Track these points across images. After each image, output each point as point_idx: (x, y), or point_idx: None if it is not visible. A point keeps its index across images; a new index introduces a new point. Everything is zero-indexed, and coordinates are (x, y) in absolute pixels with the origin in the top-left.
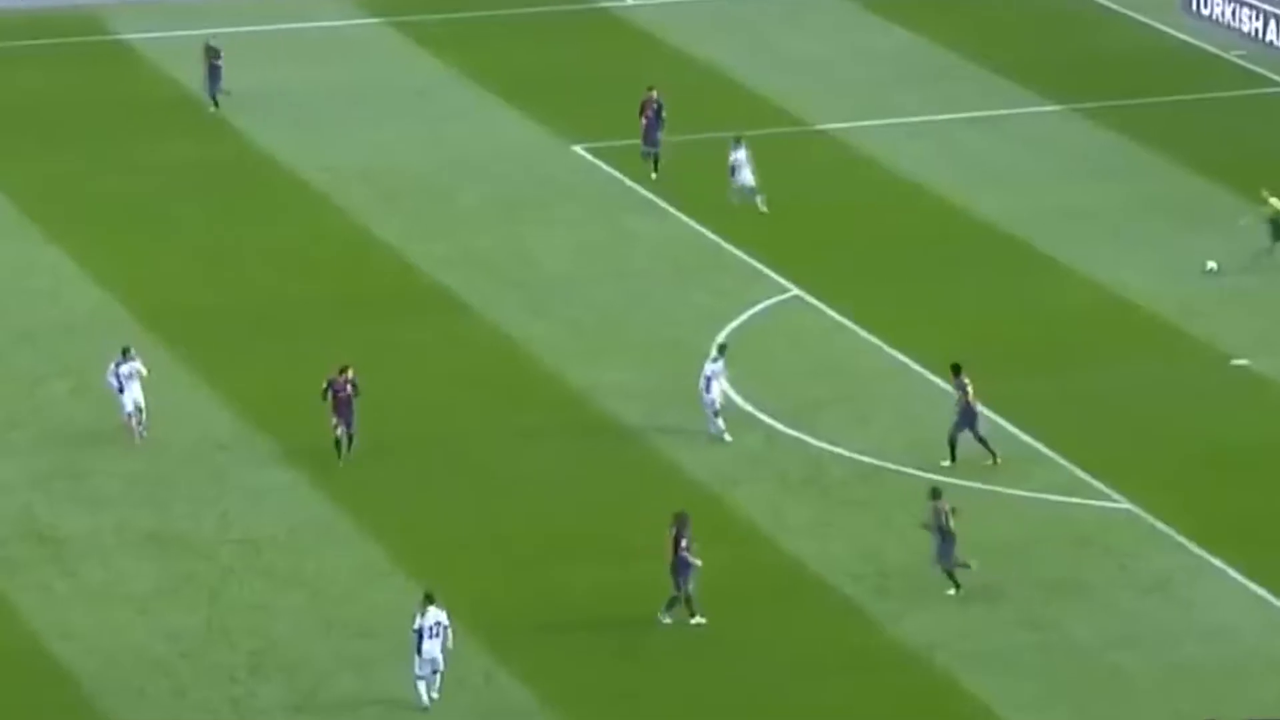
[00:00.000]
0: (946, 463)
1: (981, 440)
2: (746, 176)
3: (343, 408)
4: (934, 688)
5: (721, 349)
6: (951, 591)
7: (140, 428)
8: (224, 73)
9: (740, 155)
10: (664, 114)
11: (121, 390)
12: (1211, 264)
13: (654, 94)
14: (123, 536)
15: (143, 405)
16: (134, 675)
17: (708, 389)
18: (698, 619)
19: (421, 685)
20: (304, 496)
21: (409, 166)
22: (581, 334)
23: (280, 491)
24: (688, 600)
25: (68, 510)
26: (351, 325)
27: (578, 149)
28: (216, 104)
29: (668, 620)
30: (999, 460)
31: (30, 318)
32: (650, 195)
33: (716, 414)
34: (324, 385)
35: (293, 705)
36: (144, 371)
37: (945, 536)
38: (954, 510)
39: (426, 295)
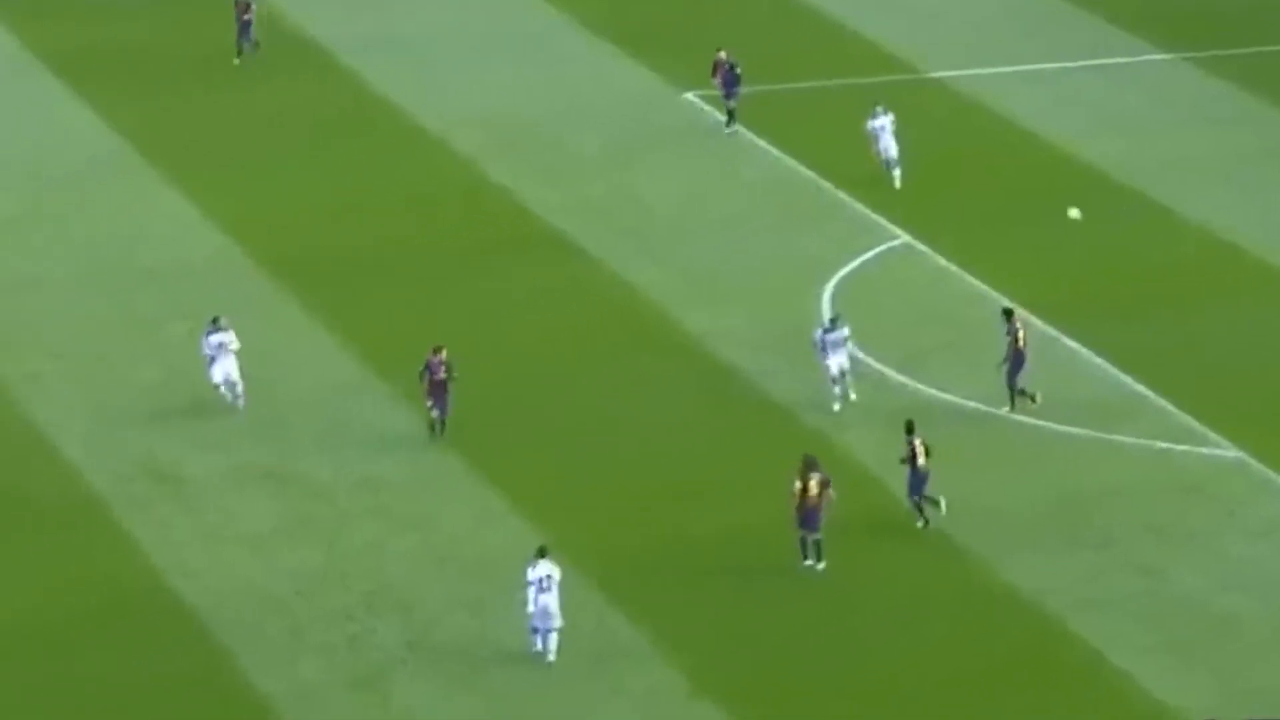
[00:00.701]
0: (1006, 409)
1: (1020, 389)
2: (888, 145)
3: (438, 390)
4: (1043, 632)
5: (834, 320)
6: (920, 525)
7: (237, 399)
8: (254, 28)
9: (879, 123)
10: (739, 71)
11: (213, 360)
12: (1074, 212)
13: (723, 55)
14: (242, 477)
15: (235, 379)
16: (251, 613)
17: (823, 355)
18: (819, 564)
19: (537, 637)
20: (421, 440)
21: (523, 112)
22: (694, 280)
23: (398, 435)
24: (816, 544)
25: (189, 450)
26: (468, 270)
27: (689, 96)
28: (240, 55)
29: (818, 566)
30: (1022, 402)
31: (151, 260)
32: (761, 142)
33: (834, 381)
34: (421, 367)
35: (407, 644)
36: (235, 344)
37: (917, 471)
38: (927, 448)
39: (541, 240)
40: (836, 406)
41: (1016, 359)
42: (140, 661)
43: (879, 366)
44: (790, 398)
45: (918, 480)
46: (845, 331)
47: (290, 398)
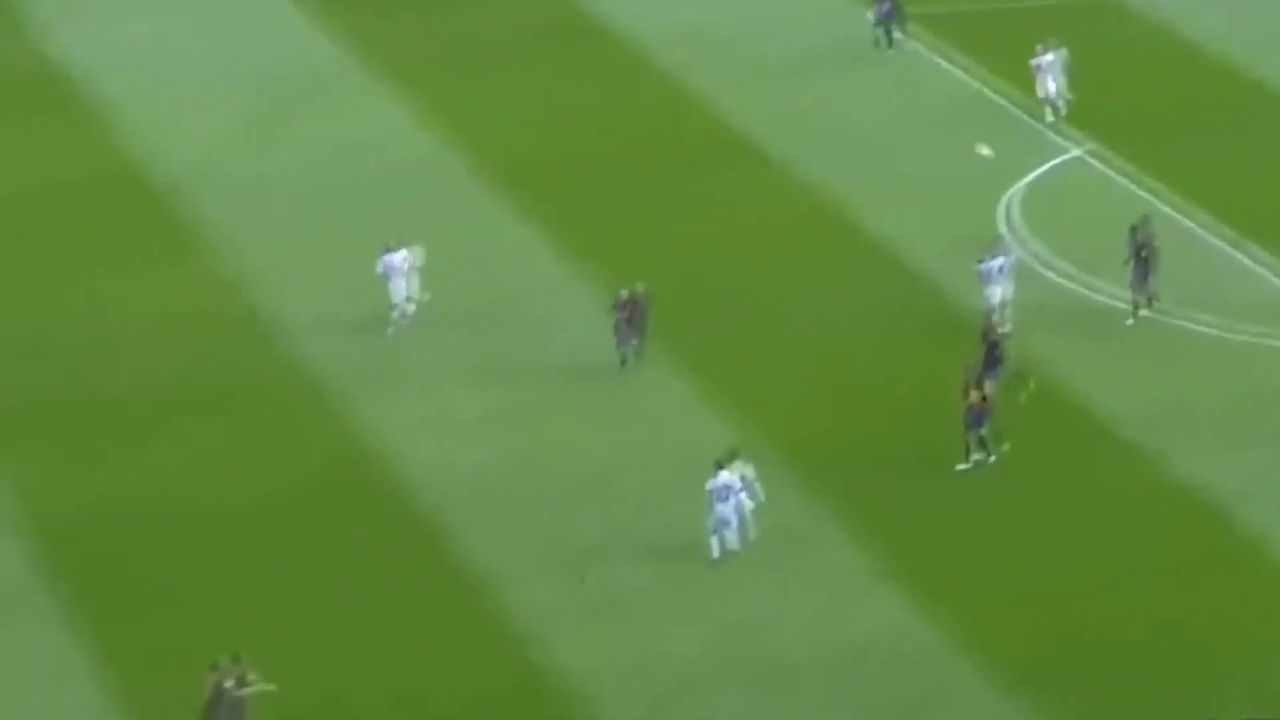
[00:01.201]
0: (1145, 311)
1: (1148, 296)
2: (1049, 81)
3: (625, 328)
4: (1207, 524)
5: (996, 244)
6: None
7: (404, 319)
8: None
9: (1041, 60)
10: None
11: (390, 279)
12: (985, 149)
13: None
14: (455, 369)
15: (414, 296)
16: (459, 497)
17: (985, 284)
18: (990, 457)
19: (713, 540)
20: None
21: (719, 27)
22: (880, 188)
23: (602, 331)
24: (981, 441)
25: (404, 344)
26: (668, 177)
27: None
28: None
29: (989, 459)
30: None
31: (373, 166)
32: (942, 60)
33: (992, 311)
34: (613, 303)
35: (610, 534)
36: (411, 262)
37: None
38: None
39: (736, 149)
40: (1004, 329)
41: (1144, 265)
42: (353, 540)
43: (1055, 274)
44: (971, 301)
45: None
46: (1004, 260)
47: (501, 295)
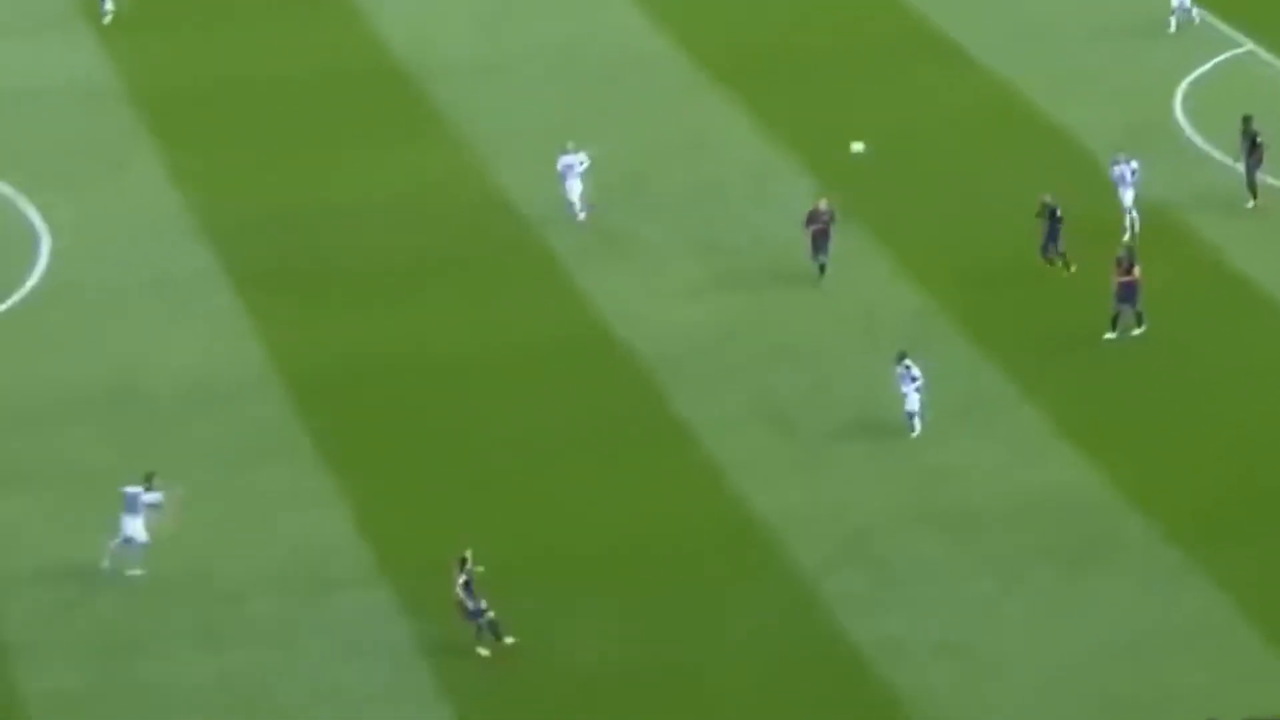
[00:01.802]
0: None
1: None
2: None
3: (820, 240)
4: None
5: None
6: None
7: (577, 215)
8: None
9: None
10: None
11: (564, 179)
12: (858, 146)
13: None
14: (669, 242)
15: (582, 198)
16: (679, 359)
17: (1119, 187)
18: (1139, 329)
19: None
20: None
21: None
22: (1060, 79)
23: (804, 199)
24: (1138, 314)
25: (631, 217)
26: (865, 71)
27: None
28: None
29: (1135, 331)
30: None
31: (602, 55)
32: None
33: (1125, 212)
34: (805, 216)
35: (811, 392)
36: (583, 165)
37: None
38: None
39: (929, 43)
40: (1125, 237)
41: (1256, 157)
42: (577, 396)
43: (1221, 156)
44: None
45: (1125, 292)
46: (1130, 166)
47: (716, 177)
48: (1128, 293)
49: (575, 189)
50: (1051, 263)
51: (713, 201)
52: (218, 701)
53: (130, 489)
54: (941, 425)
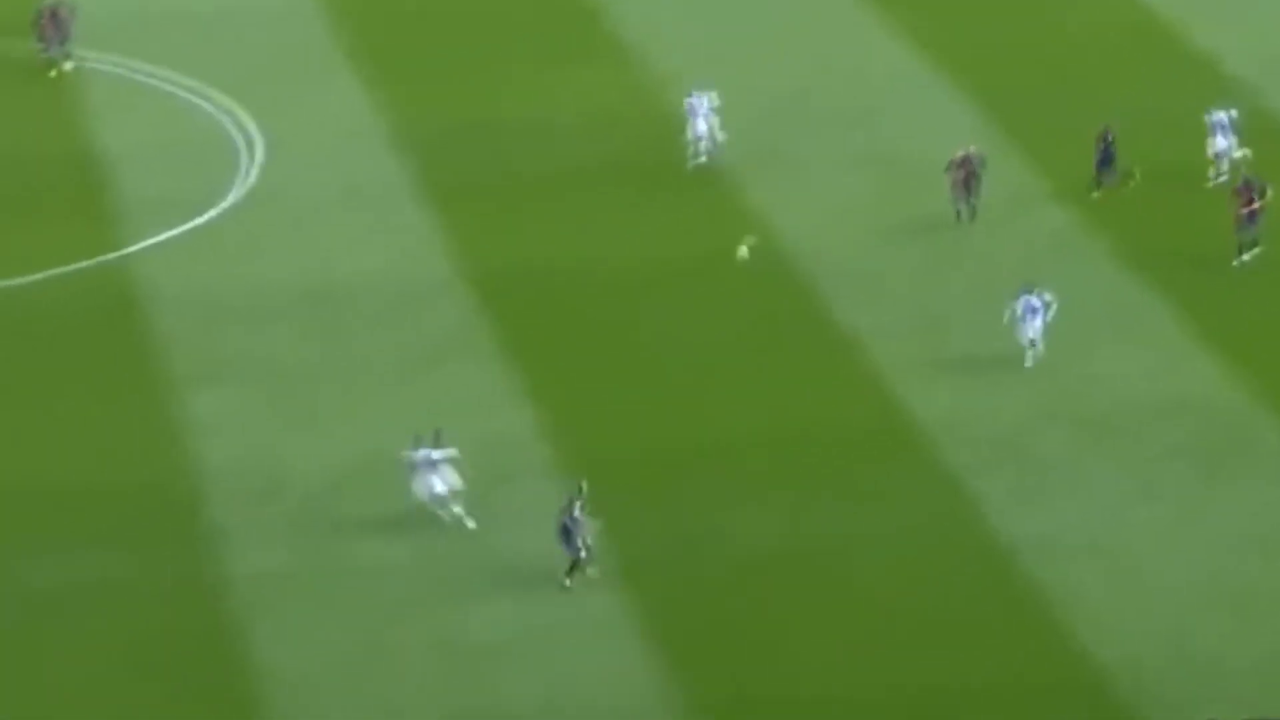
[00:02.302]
0: None
1: None
2: None
3: (959, 187)
4: None
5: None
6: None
7: (698, 156)
8: None
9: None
10: None
11: (691, 118)
12: (744, 250)
13: None
14: (832, 155)
15: (711, 134)
16: (835, 270)
17: (1213, 137)
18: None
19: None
20: (974, 124)
21: None
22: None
23: (958, 119)
24: (1253, 240)
25: (799, 133)
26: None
27: None
28: None
29: (1242, 260)
30: None
31: None
32: None
33: (1213, 160)
34: (947, 163)
35: (969, 302)
36: (714, 105)
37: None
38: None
39: None
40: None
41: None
42: (738, 305)
43: None
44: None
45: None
46: (1226, 115)
47: (878, 95)
48: (1249, 221)
49: (701, 129)
50: (1101, 185)
51: (873, 119)
52: (415, 581)
53: (417, 453)
54: (1087, 335)
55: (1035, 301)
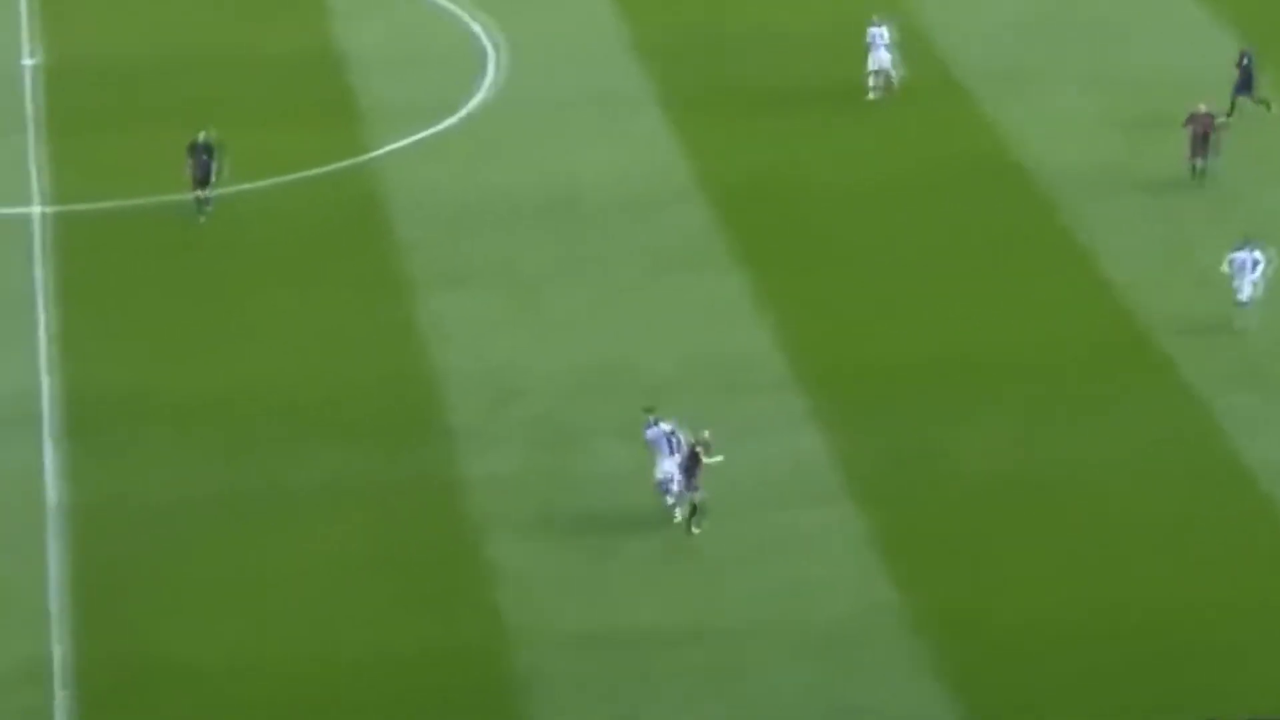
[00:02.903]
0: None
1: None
2: None
3: (1198, 143)
4: None
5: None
6: None
7: (877, 90)
8: None
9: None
10: None
11: (870, 51)
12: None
13: None
14: (1070, 71)
15: (890, 67)
16: (1077, 183)
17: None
18: None
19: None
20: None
21: None
22: None
23: (1213, 40)
24: None
25: (1042, 50)
26: None
27: None
28: None
29: None
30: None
31: None
32: None
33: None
34: (1186, 116)
35: (1202, 220)
36: (886, 39)
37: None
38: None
39: None
40: None
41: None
42: (972, 214)
43: None
44: None
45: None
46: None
47: (1121, 15)
48: None
49: (882, 60)
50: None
51: (1116, 39)
52: (648, 491)
53: (652, 430)
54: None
55: (1251, 256)
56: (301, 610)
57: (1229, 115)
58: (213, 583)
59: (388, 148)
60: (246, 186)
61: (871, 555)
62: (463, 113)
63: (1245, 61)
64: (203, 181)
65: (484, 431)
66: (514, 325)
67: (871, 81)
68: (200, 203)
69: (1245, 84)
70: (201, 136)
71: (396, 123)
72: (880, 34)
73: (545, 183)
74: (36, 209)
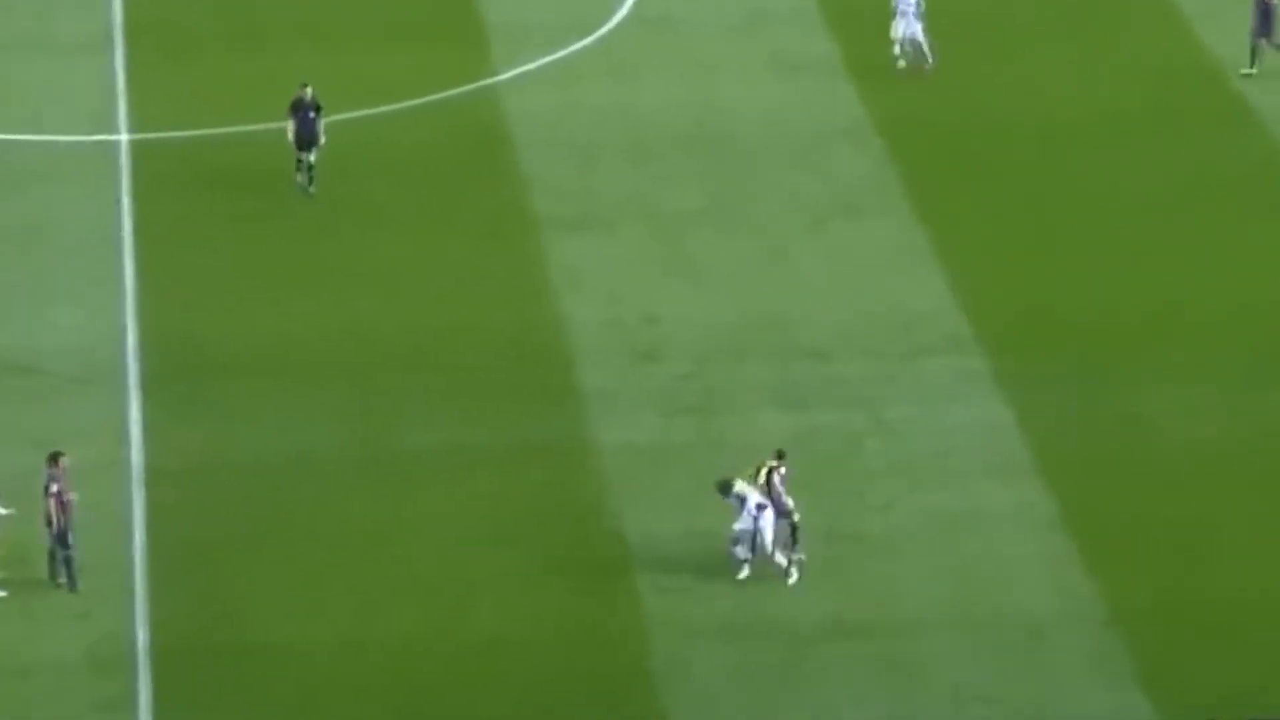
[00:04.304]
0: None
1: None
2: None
3: (1260, 21)
4: None
5: None
6: None
7: (900, 59)
8: None
9: None
10: None
11: (895, 16)
12: None
13: None
14: None
15: (917, 37)
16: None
17: None
18: None
19: None
20: None
21: None
22: None
23: None
24: None
25: None
26: None
27: None
28: None
29: None
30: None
31: None
32: None
33: None
34: None
35: None
36: (915, 9)
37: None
38: None
39: None
40: None
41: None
42: (1187, 152)
43: None
44: None
45: None
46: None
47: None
48: None
49: (905, 28)
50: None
51: None
52: (797, 461)
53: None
54: None
55: None
56: (416, 584)
57: (1251, 68)
58: (317, 553)
59: (518, 70)
60: (356, 114)
61: (1063, 538)
62: (600, 33)
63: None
64: (308, 143)
65: (620, 393)
66: (655, 273)
67: (898, 50)
68: (305, 168)
69: (1265, 23)
70: (309, 93)
71: (524, 43)
72: (906, 7)
73: (692, 114)
74: (124, 136)
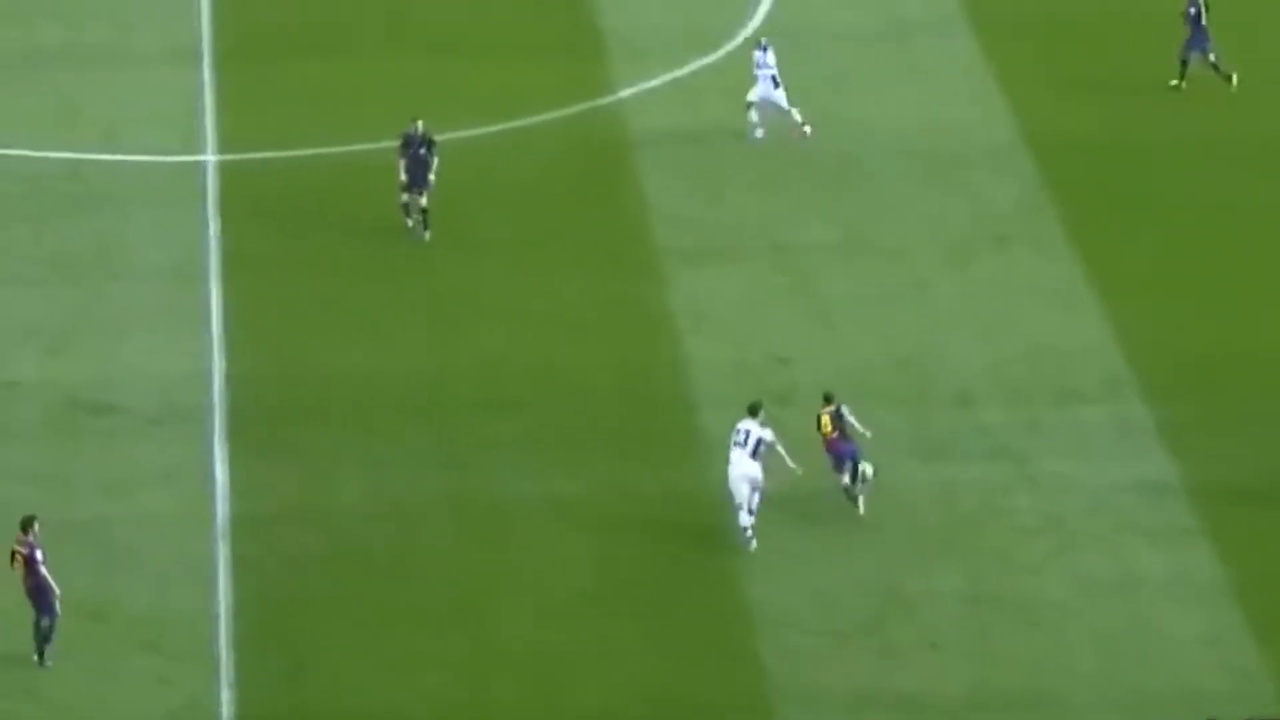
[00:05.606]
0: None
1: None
2: None
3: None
4: None
5: None
6: None
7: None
8: None
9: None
10: None
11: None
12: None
13: None
14: None
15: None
16: None
17: None
18: None
19: None
20: None
21: None
22: None
23: None
24: None
25: None
26: None
27: None
28: None
29: None
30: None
31: None
32: None
33: None
34: None
35: None
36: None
37: None
38: None
39: None
40: None
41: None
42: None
43: None
44: None
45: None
46: None
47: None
48: None
49: (760, 93)
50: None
51: None
52: (936, 515)
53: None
54: None
55: None
56: (514, 651)
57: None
58: (408, 614)
59: (642, 86)
60: (464, 134)
61: (1231, 609)
62: (728, 47)
63: (1196, 15)
64: (420, 184)
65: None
66: (783, 309)
67: (749, 125)
68: (416, 211)
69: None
70: (419, 127)
71: (647, 58)
72: (765, 57)
73: (824, 134)
74: (210, 157)
